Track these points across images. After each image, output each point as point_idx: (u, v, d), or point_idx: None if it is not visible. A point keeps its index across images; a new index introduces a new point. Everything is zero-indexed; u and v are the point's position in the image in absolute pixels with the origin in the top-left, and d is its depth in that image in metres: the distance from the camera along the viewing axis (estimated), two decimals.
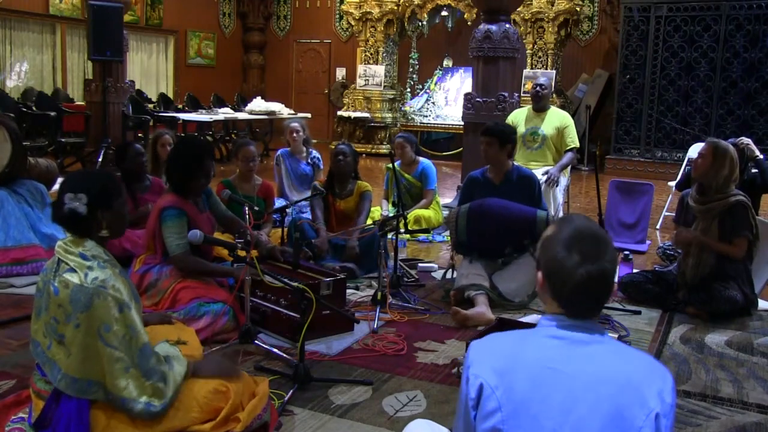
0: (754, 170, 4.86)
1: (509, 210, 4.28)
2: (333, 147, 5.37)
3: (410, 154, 6.29)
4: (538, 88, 6.23)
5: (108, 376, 2.22)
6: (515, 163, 4.66)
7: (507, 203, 4.31)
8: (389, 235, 4.38)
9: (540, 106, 6.26)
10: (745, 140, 4.99)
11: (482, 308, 3.98)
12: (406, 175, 6.31)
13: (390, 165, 6.36)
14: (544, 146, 6.17)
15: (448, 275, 4.74)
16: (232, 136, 11.55)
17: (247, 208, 4.14)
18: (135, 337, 2.25)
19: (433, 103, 12.81)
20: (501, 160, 4.47)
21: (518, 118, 6.29)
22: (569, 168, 6.48)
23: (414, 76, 13.40)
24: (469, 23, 11.77)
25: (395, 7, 12.64)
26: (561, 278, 1.51)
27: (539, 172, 5.82)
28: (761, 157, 4.96)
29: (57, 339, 2.24)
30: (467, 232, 4.35)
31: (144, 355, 2.26)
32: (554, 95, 11.00)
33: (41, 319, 2.30)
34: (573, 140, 6.16)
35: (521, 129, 6.15)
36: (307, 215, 5.43)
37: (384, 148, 12.51)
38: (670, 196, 7.15)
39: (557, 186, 5.96)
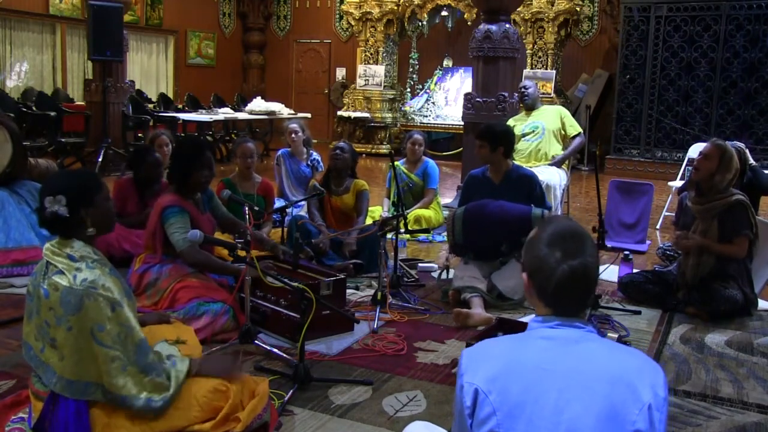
0: (749, 173, 4.87)
1: (504, 210, 4.28)
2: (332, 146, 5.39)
3: (420, 153, 6.37)
4: (522, 90, 6.46)
5: (105, 376, 2.22)
6: (515, 163, 4.67)
7: (502, 203, 4.31)
8: (389, 235, 4.39)
9: (529, 106, 6.45)
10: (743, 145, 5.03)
11: (478, 309, 4.00)
12: (410, 174, 6.34)
13: (395, 163, 6.43)
14: (545, 136, 6.29)
15: (443, 276, 4.74)
16: (232, 136, 11.55)
17: (247, 208, 4.14)
18: (130, 335, 2.24)
19: (433, 103, 12.81)
20: (495, 161, 4.48)
21: (516, 120, 6.44)
22: (569, 168, 6.53)
23: (414, 76, 13.40)
24: (469, 23, 11.76)
25: (395, 7, 12.64)
26: (544, 275, 1.54)
27: (546, 175, 5.88)
28: (755, 164, 4.99)
29: (49, 342, 2.23)
30: (464, 233, 4.35)
31: (141, 351, 2.26)
32: (554, 95, 11.01)
33: (33, 322, 2.29)
34: (575, 126, 6.41)
35: (518, 130, 6.25)
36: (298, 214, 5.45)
37: (384, 148, 12.51)
38: (670, 196, 7.15)
39: (557, 167, 6.19)
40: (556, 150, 6.34)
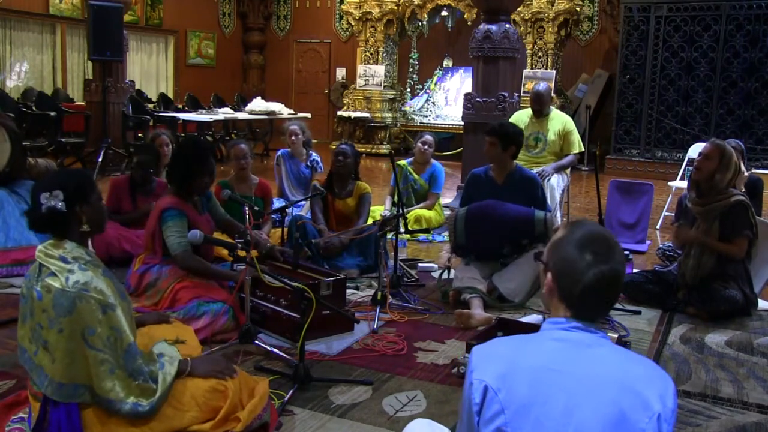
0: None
1: (507, 211, 4.27)
2: (334, 147, 5.37)
3: (429, 155, 6.40)
4: (536, 98, 6.21)
5: (94, 379, 2.21)
6: (518, 164, 4.65)
7: (505, 205, 4.31)
8: (389, 235, 4.38)
9: (541, 112, 6.25)
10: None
11: (478, 310, 4.00)
12: (416, 175, 6.34)
13: (401, 162, 6.43)
14: (546, 151, 6.18)
15: (444, 276, 4.74)
16: (232, 136, 11.54)
17: (246, 208, 4.14)
18: (120, 338, 2.24)
19: (433, 103, 12.82)
20: (503, 160, 4.47)
21: (520, 121, 6.28)
22: (570, 168, 6.48)
23: (414, 76, 13.41)
24: (469, 23, 11.77)
25: (395, 7, 12.64)
26: (573, 278, 1.52)
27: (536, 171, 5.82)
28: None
29: (42, 345, 2.23)
30: (466, 234, 4.35)
31: (130, 355, 2.25)
32: (554, 95, 11.01)
33: (27, 324, 2.28)
34: (575, 146, 6.18)
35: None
36: (298, 214, 5.44)
37: (384, 148, 12.52)
38: (670, 196, 7.15)
39: (548, 180, 5.99)
40: (552, 177, 6.15)
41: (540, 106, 6.20)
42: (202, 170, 3.71)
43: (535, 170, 5.92)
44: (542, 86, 6.39)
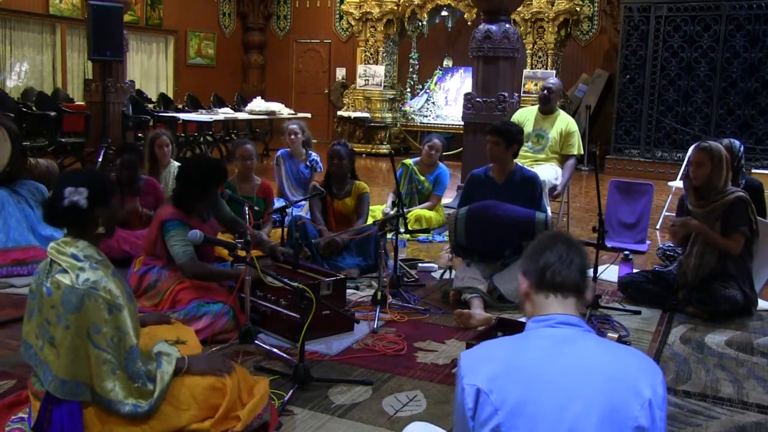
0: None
1: (507, 212, 4.27)
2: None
3: (435, 159, 6.42)
4: (546, 92, 6.18)
5: (95, 378, 2.22)
6: (518, 163, 4.65)
7: (505, 206, 4.30)
8: (389, 235, 4.38)
9: (548, 109, 6.22)
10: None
11: (478, 310, 4.00)
12: (421, 177, 6.35)
13: (407, 162, 6.43)
14: (547, 148, 6.17)
15: (446, 276, 4.74)
16: (232, 136, 11.54)
17: (247, 208, 4.14)
18: (123, 339, 2.24)
19: (433, 103, 12.82)
20: (505, 159, 4.46)
21: (525, 117, 6.24)
22: None
23: (414, 76, 13.40)
24: (469, 23, 11.77)
25: (395, 7, 12.64)
26: (538, 253, 1.63)
27: (541, 171, 5.81)
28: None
29: (48, 340, 2.24)
30: (466, 234, 4.34)
31: (131, 357, 2.26)
32: None
33: (33, 320, 2.29)
34: (574, 147, 6.14)
35: (527, 129, 6.12)
36: (298, 214, 5.44)
37: (384, 148, 12.52)
38: (670, 196, 7.15)
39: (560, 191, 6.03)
40: (551, 160, 6.17)
41: (549, 94, 6.16)
42: (205, 196, 3.72)
43: (545, 180, 5.89)
44: (553, 80, 6.42)
